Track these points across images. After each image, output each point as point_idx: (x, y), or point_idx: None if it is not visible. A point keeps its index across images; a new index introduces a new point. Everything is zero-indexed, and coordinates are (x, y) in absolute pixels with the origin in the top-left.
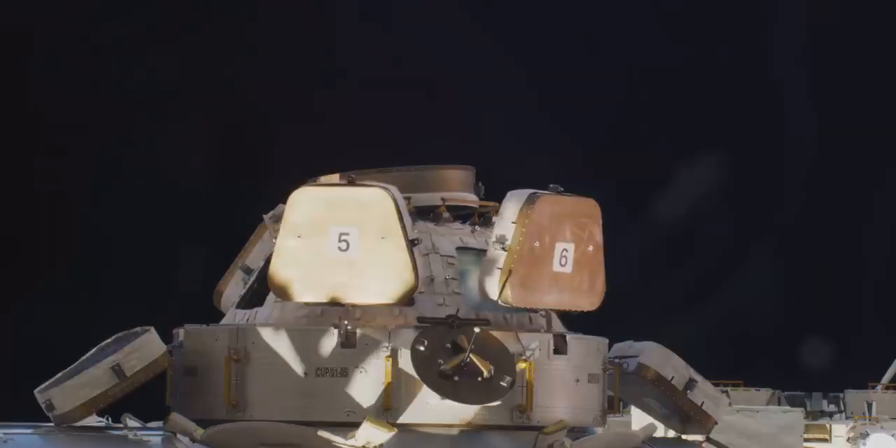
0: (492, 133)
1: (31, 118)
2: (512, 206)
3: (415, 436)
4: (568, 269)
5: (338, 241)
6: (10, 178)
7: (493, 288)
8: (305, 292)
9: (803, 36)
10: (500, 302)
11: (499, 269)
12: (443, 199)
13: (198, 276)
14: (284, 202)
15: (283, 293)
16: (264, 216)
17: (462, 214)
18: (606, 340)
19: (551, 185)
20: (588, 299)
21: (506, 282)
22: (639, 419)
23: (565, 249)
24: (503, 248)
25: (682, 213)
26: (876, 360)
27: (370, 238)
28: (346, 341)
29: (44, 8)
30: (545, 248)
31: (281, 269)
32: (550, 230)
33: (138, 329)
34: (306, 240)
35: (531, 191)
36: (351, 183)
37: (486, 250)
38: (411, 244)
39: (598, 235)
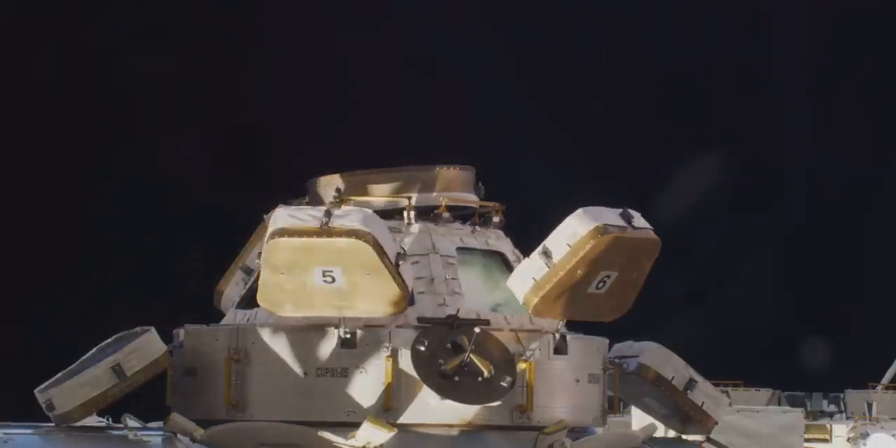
0: (492, 133)
1: (32, 118)
2: (576, 228)
3: (415, 436)
4: (603, 291)
5: (322, 277)
6: (10, 178)
7: (519, 292)
8: (296, 313)
9: (803, 36)
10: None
11: (534, 279)
12: (443, 199)
13: (198, 277)
14: (284, 202)
15: (274, 312)
16: (264, 216)
17: (462, 214)
18: (606, 340)
19: (623, 210)
20: (610, 314)
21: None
22: (639, 419)
23: (608, 276)
24: (546, 263)
25: (682, 212)
26: (876, 360)
27: (355, 273)
28: (346, 341)
29: (43, 7)
30: (588, 275)
31: (267, 298)
32: (602, 261)
33: (138, 329)
34: (290, 276)
35: (605, 217)
36: (324, 231)
37: (485, 250)
38: (397, 264)
39: (648, 268)
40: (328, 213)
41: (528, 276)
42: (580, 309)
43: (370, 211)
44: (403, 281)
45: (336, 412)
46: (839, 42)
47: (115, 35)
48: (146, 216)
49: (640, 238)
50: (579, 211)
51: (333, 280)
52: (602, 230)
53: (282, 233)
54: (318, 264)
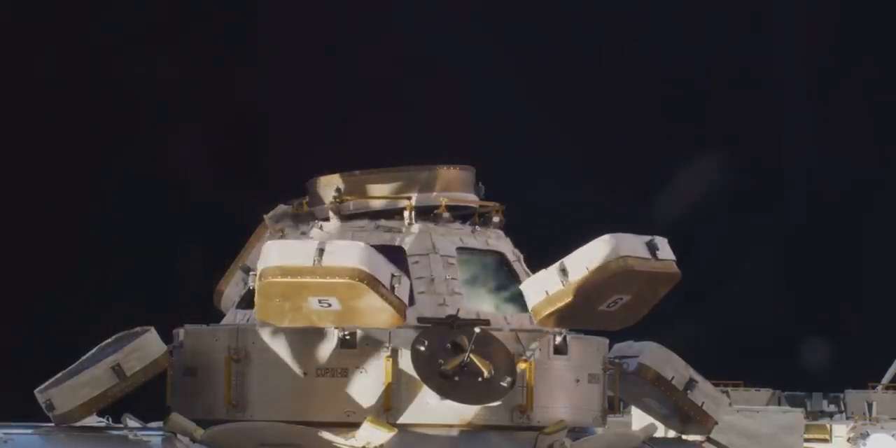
0: (492, 133)
1: (32, 118)
2: (598, 253)
3: (415, 436)
4: (614, 309)
5: (318, 303)
6: (10, 178)
7: (530, 300)
8: (295, 325)
9: (803, 36)
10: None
11: (547, 292)
12: (443, 199)
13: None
14: (284, 202)
15: (274, 324)
16: (264, 216)
17: (462, 214)
18: (606, 340)
19: (650, 240)
20: (618, 325)
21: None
22: (639, 419)
23: (621, 298)
24: (562, 280)
25: (682, 212)
26: (876, 360)
27: (351, 301)
28: (346, 341)
29: (43, 7)
30: (602, 297)
31: (266, 316)
32: (618, 287)
33: (138, 329)
34: (287, 301)
35: (629, 247)
36: (317, 270)
37: (485, 250)
38: (393, 288)
39: (664, 293)
40: (320, 251)
41: (542, 288)
42: (588, 322)
43: (361, 243)
44: (401, 300)
45: (336, 412)
46: (839, 42)
47: (115, 35)
48: (146, 216)
49: (659, 271)
50: (606, 237)
51: (330, 305)
52: (622, 263)
53: (274, 273)
54: (313, 296)
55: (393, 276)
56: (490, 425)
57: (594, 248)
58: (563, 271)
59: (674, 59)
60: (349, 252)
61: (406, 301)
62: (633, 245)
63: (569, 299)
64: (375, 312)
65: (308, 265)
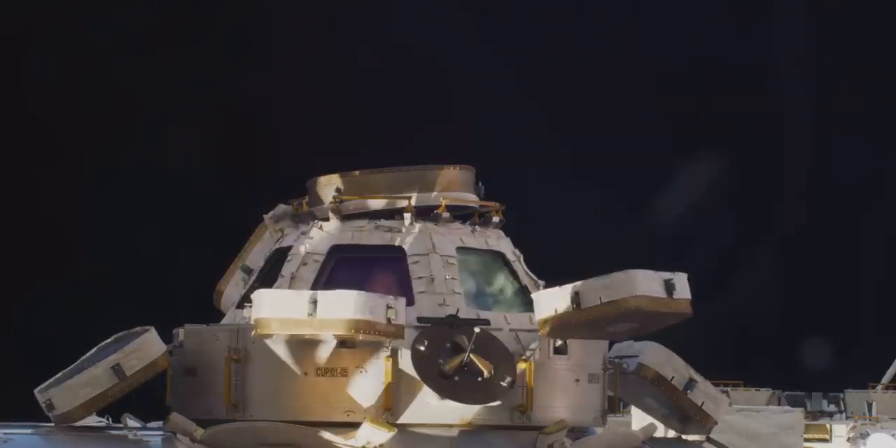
0: (492, 133)
1: (31, 118)
2: (614, 288)
3: (415, 436)
4: (619, 330)
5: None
6: (10, 178)
7: (539, 313)
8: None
9: (804, 35)
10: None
11: (556, 310)
12: (443, 199)
13: (198, 276)
14: (284, 202)
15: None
16: (264, 216)
17: (462, 214)
18: (606, 340)
19: (669, 280)
20: (621, 337)
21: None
22: (639, 419)
23: (629, 324)
24: (574, 304)
25: (682, 212)
26: (876, 360)
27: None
28: (346, 342)
29: (43, 7)
30: (610, 323)
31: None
32: (629, 318)
33: (138, 329)
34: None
35: (646, 285)
36: (312, 323)
37: (485, 250)
38: (388, 320)
39: (671, 323)
40: (314, 302)
41: (553, 305)
42: (593, 337)
43: (353, 292)
44: (397, 327)
45: (336, 412)
46: (839, 42)
47: (115, 35)
48: (146, 216)
49: (671, 311)
50: (625, 273)
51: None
52: (636, 302)
53: (266, 325)
54: (310, 336)
55: (388, 307)
56: (490, 425)
57: (611, 281)
58: (577, 296)
59: (674, 59)
60: (343, 303)
61: (403, 322)
62: (650, 284)
63: (577, 322)
64: (372, 341)
65: (302, 318)
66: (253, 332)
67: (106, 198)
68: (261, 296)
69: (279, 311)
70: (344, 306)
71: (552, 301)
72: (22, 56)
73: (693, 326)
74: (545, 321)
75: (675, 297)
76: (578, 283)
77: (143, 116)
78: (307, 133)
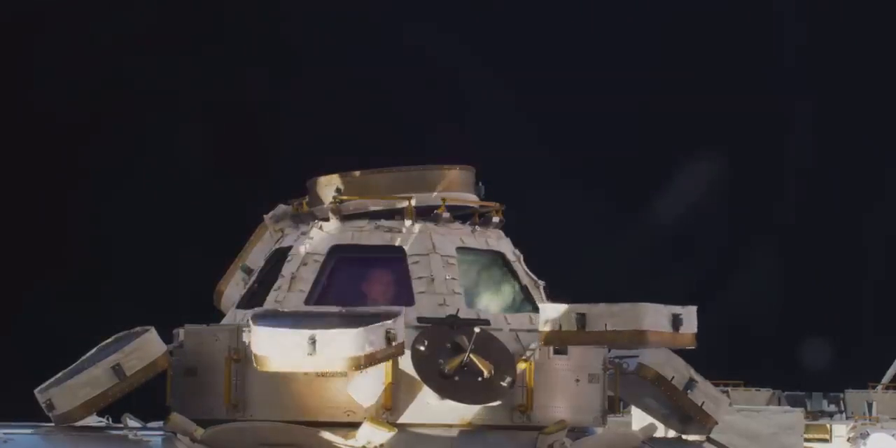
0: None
1: (31, 117)
2: (621, 319)
3: (415, 436)
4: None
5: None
6: (10, 179)
7: (542, 324)
8: None
9: (804, 35)
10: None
11: (560, 326)
12: (443, 199)
13: (198, 276)
14: (284, 202)
15: None
16: (264, 216)
17: (462, 214)
18: None
19: (677, 316)
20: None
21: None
22: (639, 419)
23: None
24: (577, 325)
25: (682, 212)
26: (876, 360)
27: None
28: None
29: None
30: (611, 346)
31: None
32: (630, 347)
33: (138, 329)
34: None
35: (653, 319)
36: (311, 363)
37: (485, 250)
38: (389, 342)
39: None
40: (312, 342)
41: (557, 322)
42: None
43: (353, 330)
44: (397, 345)
45: (336, 412)
46: (839, 41)
47: (114, 34)
48: (146, 216)
49: (675, 344)
50: (636, 305)
51: None
52: (640, 336)
53: (265, 363)
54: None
55: (388, 332)
56: (490, 425)
57: (620, 310)
58: (582, 318)
59: (673, 59)
60: (343, 342)
61: (403, 338)
62: (657, 318)
63: (578, 341)
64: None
65: (302, 357)
66: (254, 365)
67: (106, 197)
68: (258, 333)
69: (278, 349)
70: (344, 345)
71: (555, 317)
72: (23, 55)
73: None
74: (547, 335)
75: (680, 331)
76: (586, 306)
77: (144, 116)
78: (307, 133)
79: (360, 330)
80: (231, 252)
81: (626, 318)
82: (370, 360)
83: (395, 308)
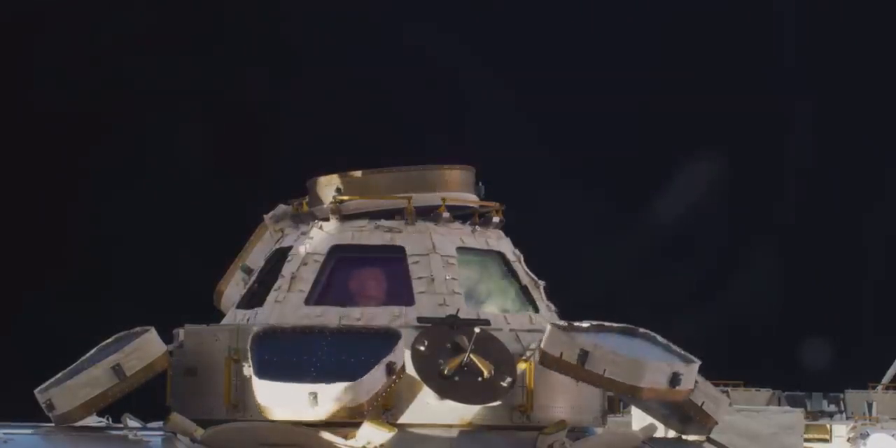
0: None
1: (31, 117)
2: (621, 369)
3: (415, 436)
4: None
5: None
6: (10, 179)
7: (545, 346)
8: None
9: (804, 34)
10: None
11: (562, 354)
12: (443, 199)
13: (198, 276)
14: (284, 202)
15: None
16: (264, 216)
17: (462, 214)
18: None
19: (677, 374)
20: None
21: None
22: (639, 419)
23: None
24: (578, 360)
25: (682, 212)
26: (876, 360)
27: None
28: None
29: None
30: (605, 389)
31: None
32: (623, 395)
33: (138, 329)
34: None
35: (653, 373)
36: (314, 413)
37: (485, 250)
38: (391, 374)
39: None
40: (314, 396)
41: (559, 348)
42: None
43: (355, 381)
44: (399, 372)
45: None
46: (839, 41)
47: (116, 34)
48: (146, 216)
49: (668, 398)
50: (638, 361)
51: None
52: (635, 390)
53: (271, 413)
54: None
55: (389, 366)
56: (490, 425)
57: (622, 360)
58: (584, 355)
59: (673, 58)
60: (344, 394)
61: (402, 361)
62: (657, 376)
63: (573, 375)
64: None
65: (305, 408)
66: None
67: (106, 198)
68: (260, 386)
69: (281, 401)
70: (346, 397)
71: (558, 343)
72: (23, 55)
73: (693, 326)
74: (545, 357)
75: (676, 388)
76: (592, 343)
77: (144, 116)
78: (307, 133)
79: (361, 381)
80: (231, 252)
81: (627, 371)
82: (373, 401)
83: (396, 308)
